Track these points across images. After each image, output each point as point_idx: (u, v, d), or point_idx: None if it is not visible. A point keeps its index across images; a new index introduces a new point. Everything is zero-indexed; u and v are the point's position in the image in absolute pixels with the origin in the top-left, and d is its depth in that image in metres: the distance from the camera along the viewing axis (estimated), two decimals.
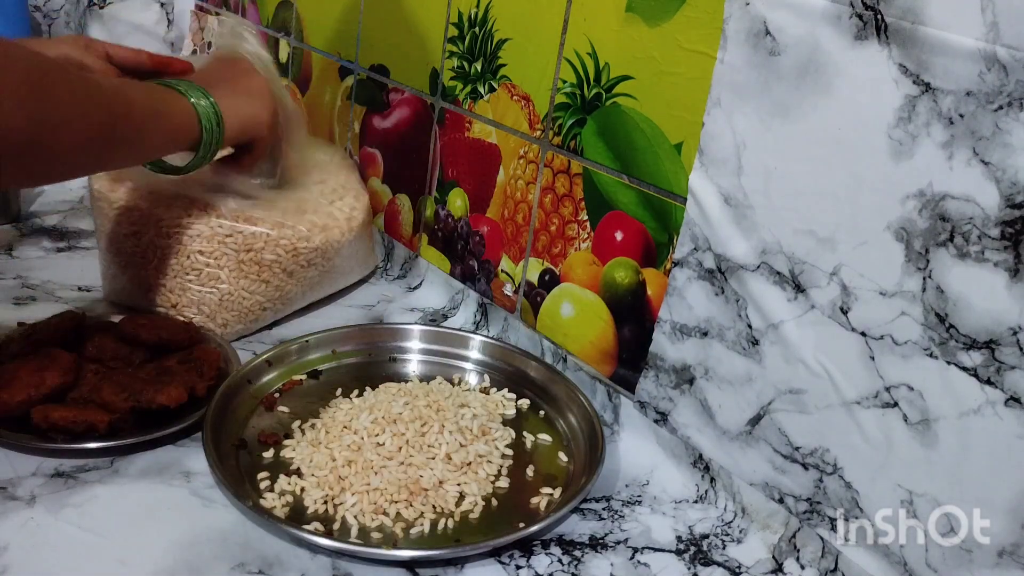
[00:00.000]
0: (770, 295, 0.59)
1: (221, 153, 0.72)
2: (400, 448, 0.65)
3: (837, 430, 0.57)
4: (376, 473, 0.62)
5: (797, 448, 0.59)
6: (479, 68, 0.83)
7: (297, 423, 0.68)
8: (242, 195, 0.78)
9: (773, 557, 0.61)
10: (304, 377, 0.75)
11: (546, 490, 0.64)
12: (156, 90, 0.65)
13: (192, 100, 0.66)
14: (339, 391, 0.73)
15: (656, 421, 0.70)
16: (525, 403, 0.75)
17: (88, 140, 0.55)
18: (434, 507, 0.61)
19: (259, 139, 0.74)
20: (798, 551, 0.60)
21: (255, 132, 0.73)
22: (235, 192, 0.78)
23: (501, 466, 0.66)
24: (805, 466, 0.59)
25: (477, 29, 0.83)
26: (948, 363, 0.50)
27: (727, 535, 0.63)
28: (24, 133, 0.48)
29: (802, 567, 0.59)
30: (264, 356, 0.74)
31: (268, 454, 0.64)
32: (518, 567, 0.57)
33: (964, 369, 0.49)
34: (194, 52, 1.38)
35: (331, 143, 1.08)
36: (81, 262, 0.90)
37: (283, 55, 1.18)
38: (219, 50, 0.80)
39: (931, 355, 0.51)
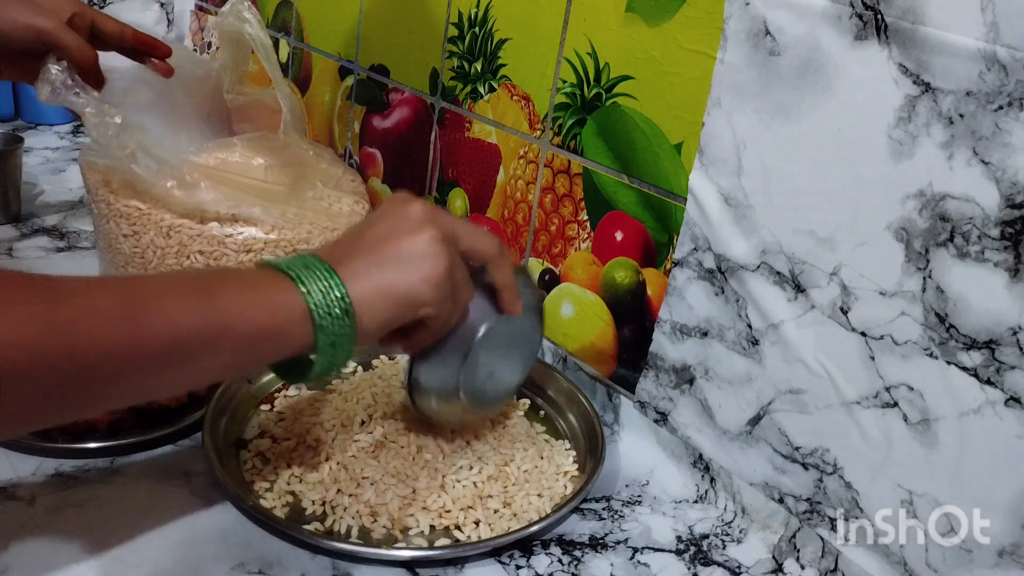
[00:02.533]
0: (770, 295, 0.59)
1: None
2: (401, 447, 0.65)
3: (837, 430, 0.57)
4: (376, 472, 0.62)
5: (797, 448, 0.59)
6: (479, 68, 0.83)
7: (297, 423, 0.68)
8: (242, 195, 0.78)
9: (773, 557, 0.61)
10: None
11: (547, 490, 0.64)
12: (232, 279, 0.47)
13: (303, 289, 0.47)
14: (339, 391, 0.73)
15: (656, 421, 0.70)
16: (525, 403, 0.75)
17: (111, 381, 0.41)
18: (434, 507, 0.61)
19: (425, 319, 0.53)
20: (798, 551, 0.60)
21: (411, 312, 0.51)
22: (236, 193, 0.78)
23: (501, 466, 0.66)
24: (805, 466, 0.59)
25: (477, 29, 0.83)
26: (948, 363, 0.50)
27: (727, 535, 0.63)
28: (22, 384, 0.37)
29: (802, 567, 0.59)
30: None
31: (268, 454, 0.64)
32: (518, 567, 0.57)
33: (964, 369, 0.49)
34: (194, 51, 1.38)
35: (325, 154, 1.08)
36: (81, 262, 0.90)
37: (283, 55, 1.18)
38: (387, 205, 0.55)
39: (931, 355, 0.51)
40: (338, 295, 0.47)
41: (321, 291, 0.47)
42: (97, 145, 0.75)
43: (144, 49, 0.76)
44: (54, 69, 0.69)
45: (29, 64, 0.70)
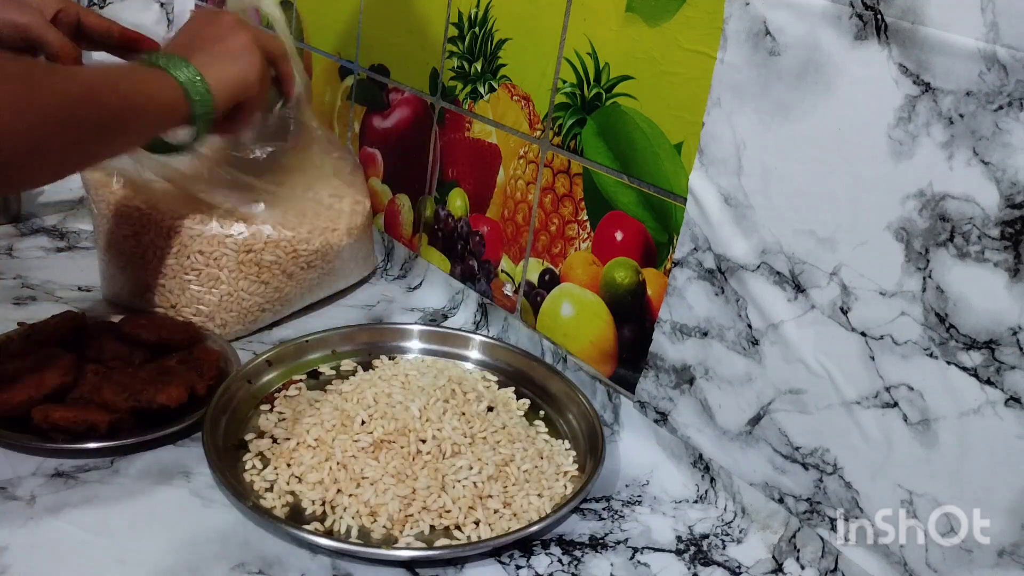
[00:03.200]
0: (770, 295, 0.59)
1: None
2: (401, 447, 0.65)
3: (837, 430, 0.57)
4: (376, 472, 0.62)
5: (797, 448, 0.59)
6: (479, 68, 0.83)
7: (297, 423, 0.68)
8: (243, 196, 0.78)
9: (773, 557, 0.61)
10: (304, 377, 0.75)
11: (547, 490, 0.64)
12: (137, 71, 0.63)
13: (175, 74, 0.63)
14: (339, 391, 0.73)
15: (656, 421, 0.70)
16: (525, 403, 0.75)
17: (78, 138, 0.55)
18: (434, 507, 0.61)
19: (249, 100, 0.70)
20: (798, 551, 0.60)
21: (244, 94, 0.69)
22: (236, 193, 0.78)
23: (501, 466, 0.66)
24: (805, 466, 0.59)
25: (477, 29, 0.83)
26: (948, 363, 0.50)
27: (727, 535, 0.63)
28: (20, 140, 0.49)
29: (802, 567, 0.59)
30: (264, 356, 0.74)
31: (268, 454, 0.64)
32: (518, 567, 0.57)
33: (964, 369, 0.49)
34: None
35: (334, 139, 1.08)
36: (81, 262, 0.90)
37: None
38: (198, 8, 0.77)
39: (931, 355, 0.51)
40: (199, 78, 0.63)
41: (187, 77, 0.63)
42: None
43: (132, 47, 0.76)
44: None
45: None
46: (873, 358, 0.54)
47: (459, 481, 0.63)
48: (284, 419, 0.68)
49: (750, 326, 0.61)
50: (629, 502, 0.65)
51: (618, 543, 0.61)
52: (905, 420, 0.53)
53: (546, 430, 0.72)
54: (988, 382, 0.48)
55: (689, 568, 0.59)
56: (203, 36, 0.69)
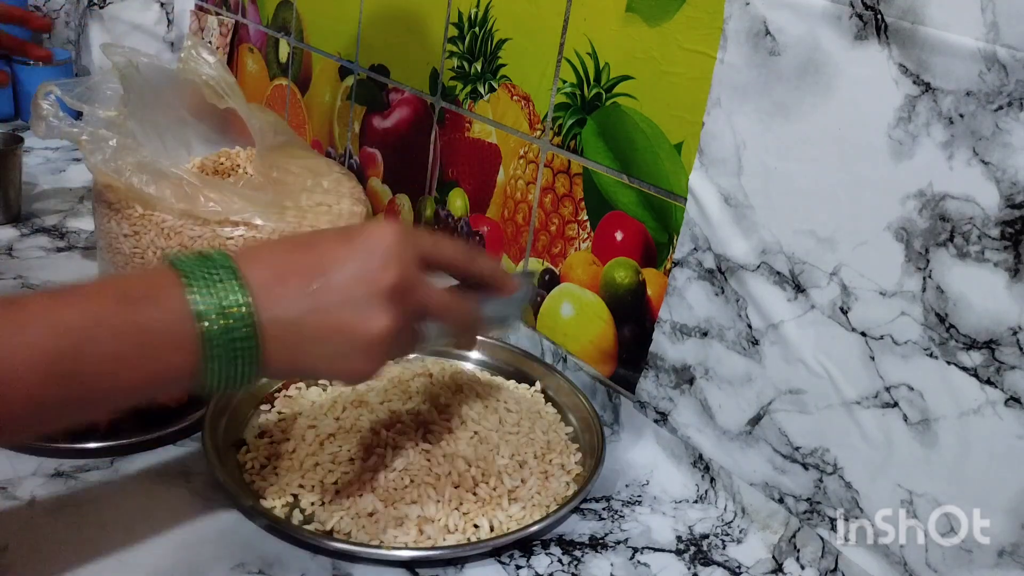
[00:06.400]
0: (770, 295, 0.59)
1: None
2: (401, 448, 0.65)
3: (837, 430, 0.57)
4: (377, 472, 0.62)
5: (797, 448, 0.59)
6: (479, 68, 0.83)
7: (297, 423, 0.68)
8: (244, 198, 0.78)
9: (773, 557, 0.61)
10: None
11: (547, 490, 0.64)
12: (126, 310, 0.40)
13: (192, 297, 0.40)
14: (339, 390, 0.73)
15: (656, 421, 0.70)
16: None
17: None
18: (433, 507, 0.60)
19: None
20: (798, 551, 0.60)
21: (339, 379, 0.48)
22: (237, 195, 0.78)
23: (501, 465, 0.66)
24: (805, 466, 0.59)
25: (477, 29, 0.83)
26: (948, 363, 0.50)
27: (727, 535, 0.63)
28: None
29: (802, 567, 0.59)
30: None
31: (268, 454, 0.64)
32: (518, 567, 0.57)
33: (964, 369, 0.49)
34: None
35: (329, 146, 1.08)
36: (81, 262, 0.90)
37: (283, 55, 1.18)
38: (353, 226, 0.51)
39: (931, 355, 0.51)
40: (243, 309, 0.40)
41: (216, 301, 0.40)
42: (94, 170, 0.76)
43: (19, 23, 0.75)
44: (45, 104, 0.69)
45: None
46: (873, 358, 0.54)
47: (459, 481, 0.63)
48: (284, 419, 0.68)
49: (750, 326, 0.61)
50: (629, 502, 0.65)
51: (618, 543, 0.61)
52: (905, 420, 0.53)
53: None
54: (988, 382, 0.48)
55: (689, 568, 0.59)
56: (333, 277, 0.43)
